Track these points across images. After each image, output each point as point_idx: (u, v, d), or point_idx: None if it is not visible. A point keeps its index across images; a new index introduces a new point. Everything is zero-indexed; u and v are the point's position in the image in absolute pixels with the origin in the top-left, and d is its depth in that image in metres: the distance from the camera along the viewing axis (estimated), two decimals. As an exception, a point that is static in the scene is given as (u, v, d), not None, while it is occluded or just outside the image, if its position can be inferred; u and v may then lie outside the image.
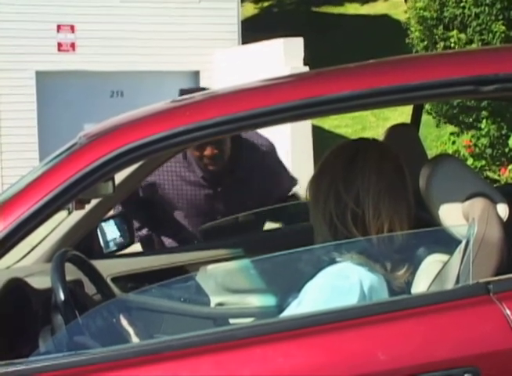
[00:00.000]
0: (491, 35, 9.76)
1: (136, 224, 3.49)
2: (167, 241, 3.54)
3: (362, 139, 2.19)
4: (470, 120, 10.19)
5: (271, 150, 3.52)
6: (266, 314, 2.76)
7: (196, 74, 14.35)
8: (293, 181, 3.65)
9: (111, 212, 3.29)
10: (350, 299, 1.88)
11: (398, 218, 1.97)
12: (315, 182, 2.06)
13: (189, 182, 3.41)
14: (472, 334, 1.75)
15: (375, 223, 1.95)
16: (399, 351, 1.72)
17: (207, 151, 3.26)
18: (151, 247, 3.54)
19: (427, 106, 9.96)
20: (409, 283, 2.00)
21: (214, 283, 2.92)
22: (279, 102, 1.84)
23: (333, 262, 1.96)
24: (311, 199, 2.07)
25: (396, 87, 1.87)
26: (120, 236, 3.22)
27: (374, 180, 1.97)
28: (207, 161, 3.31)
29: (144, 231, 3.54)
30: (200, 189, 3.41)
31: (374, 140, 2.15)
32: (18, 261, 2.93)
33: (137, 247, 3.49)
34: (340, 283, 1.92)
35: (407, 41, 10.72)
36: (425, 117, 9.78)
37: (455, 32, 9.83)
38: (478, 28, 9.80)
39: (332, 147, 2.10)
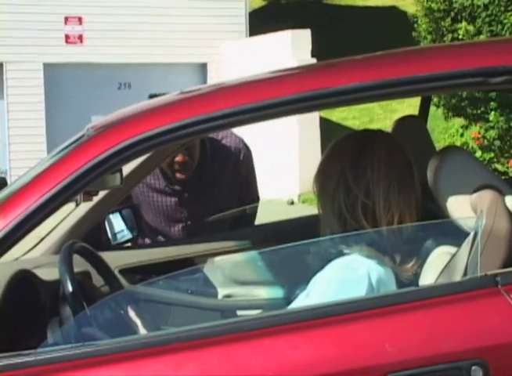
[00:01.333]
0: (500, 26, 9.73)
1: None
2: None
3: (369, 130, 2.18)
4: (479, 112, 10.16)
5: (246, 157, 3.47)
6: (274, 306, 2.77)
7: (204, 66, 14.35)
8: (258, 197, 3.59)
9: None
10: (358, 292, 1.88)
11: (407, 210, 1.97)
12: (322, 175, 2.06)
13: (155, 190, 3.38)
14: (480, 326, 1.74)
15: (385, 215, 1.95)
16: (407, 343, 1.72)
17: (178, 158, 3.23)
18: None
19: (435, 100, 9.93)
20: (416, 275, 2.00)
21: (221, 275, 2.93)
22: (286, 94, 1.83)
23: (341, 254, 1.96)
24: (318, 192, 2.06)
25: (404, 79, 1.87)
26: (128, 228, 3.22)
27: (384, 171, 1.97)
28: (177, 168, 3.27)
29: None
30: (167, 196, 3.38)
31: (381, 131, 2.15)
32: (26, 252, 2.94)
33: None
34: (349, 276, 1.92)
35: (414, 34, 10.70)
36: (432, 110, 9.75)
37: (464, 24, 9.79)
38: (487, 19, 9.76)
39: (338, 138, 2.09)
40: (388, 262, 1.95)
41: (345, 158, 2.00)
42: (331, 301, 1.84)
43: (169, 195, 3.38)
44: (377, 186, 1.96)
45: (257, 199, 3.58)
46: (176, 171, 3.29)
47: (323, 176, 2.04)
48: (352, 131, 2.15)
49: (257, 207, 3.56)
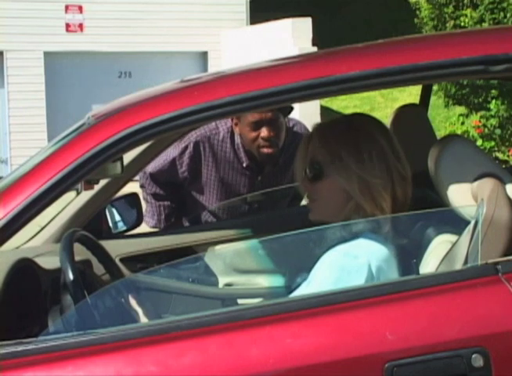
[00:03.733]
0: (502, 14, 9.70)
1: (165, 211, 3.48)
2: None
3: (352, 115, 2.20)
4: (480, 100, 10.14)
5: None
6: (275, 294, 2.77)
7: (204, 54, 14.33)
8: None
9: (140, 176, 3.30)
10: (358, 279, 1.88)
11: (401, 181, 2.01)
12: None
13: (233, 168, 3.39)
14: (480, 314, 1.75)
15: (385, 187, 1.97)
16: (407, 331, 1.73)
17: (264, 133, 3.23)
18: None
19: (435, 88, 9.92)
20: (417, 264, 2.00)
21: (222, 264, 2.93)
22: (288, 82, 1.83)
23: (342, 240, 1.96)
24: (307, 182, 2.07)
25: (405, 67, 1.86)
26: (129, 216, 3.22)
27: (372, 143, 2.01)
28: (262, 143, 3.26)
29: (172, 219, 3.52)
30: (242, 176, 3.39)
31: (360, 114, 2.17)
32: (27, 241, 2.94)
33: (145, 227, 3.50)
34: (348, 264, 1.92)
35: (416, 21, 10.67)
36: (433, 98, 9.73)
37: (468, 10, 9.75)
38: (490, 6, 9.73)
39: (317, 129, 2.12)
40: (390, 246, 1.95)
41: (336, 143, 2.02)
42: (332, 289, 1.85)
43: (245, 176, 3.39)
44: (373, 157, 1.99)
45: None
46: (262, 146, 3.27)
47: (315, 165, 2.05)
48: (333, 119, 2.17)
49: None
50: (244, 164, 3.37)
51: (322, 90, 1.87)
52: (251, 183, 3.40)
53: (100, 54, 13.58)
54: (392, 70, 1.85)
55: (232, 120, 3.33)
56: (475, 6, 9.87)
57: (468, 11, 9.76)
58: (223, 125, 3.37)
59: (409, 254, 1.99)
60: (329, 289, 1.86)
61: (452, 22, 9.95)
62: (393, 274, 1.95)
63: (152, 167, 3.42)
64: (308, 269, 1.97)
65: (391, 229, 1.97)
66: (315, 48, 11.42)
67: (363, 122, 2.09)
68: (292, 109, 3.33)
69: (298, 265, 2.10)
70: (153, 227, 3.52)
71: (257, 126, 3.22)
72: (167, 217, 3.49)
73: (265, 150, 3.27)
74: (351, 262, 1.92)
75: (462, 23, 9.82)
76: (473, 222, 1.85)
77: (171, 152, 3.36)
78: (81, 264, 2.41)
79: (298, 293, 1.97)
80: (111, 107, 1.97)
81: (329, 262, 1.94)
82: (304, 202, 3.46)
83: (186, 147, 3.35)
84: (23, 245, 2.91)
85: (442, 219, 2.04)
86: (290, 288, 2.11)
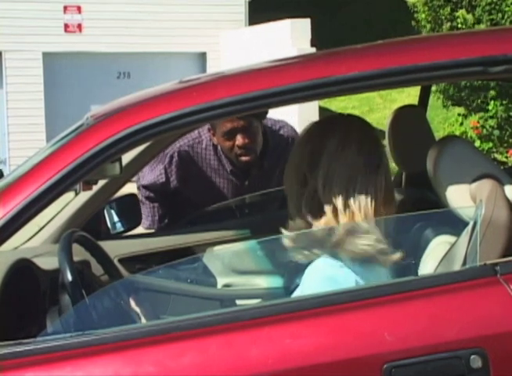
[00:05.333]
0: (500, 15, 9.70)
1: (159, 212, 3.49)
2: None
3: (339, 116, 2.18)
4: (478, 102, 10.14)
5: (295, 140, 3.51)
6: (273, 295, 2.77)
7: (203, 55, 14.33)
8: None
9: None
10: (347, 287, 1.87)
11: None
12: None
13: (219, 175, 3.41)
14: (479, 315, 1.75)
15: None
16: (406, 332, 1.73)
17: (238, 141, 3.24)
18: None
19: (433, 89, 9.92)
20: (416, 265, 2.00)
21: (221, 265, 2.93)
22: (287, 83, 1.83)
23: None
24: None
25: (404, 68, 1.86)
26: (128, 217, 3.22)
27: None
28: (238, 151, 3.27)
29: (166, 220, 3.53)
30: (229, 182, 3.41)
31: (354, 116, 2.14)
32: (25, 242, 2.94)
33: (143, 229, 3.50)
34: (336, 273, 1.90)
35: (413, 23, 10.68)
36: (432, 99, 9.74)
37: (461, 12, 9.75)
38: (488, 7, 9.73)
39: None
40: (382, 253, 1.93)
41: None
42: (330, 290, 1.84)
43: (231, 181, 3.41)
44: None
45: None
46: (239, 155, 3.29)
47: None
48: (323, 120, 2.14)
49: None
50: (228, 170, 3.38)
51: (322, 91, 1.87)
52: (239, 188, 3.41)
53: (99, 54, 13.58)
54: (391, 71, 1.85)
55: (209, 130, 3.34)
56: (473, 8, 9.86)
57: (460, 12, 9.75)
58: (205, 133, 3.38)
59: (407, 255, 1.99)
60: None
61: (448, 24, 9.95)
62: (381, 277, 1.92)
63: (144, 179, 3.44)
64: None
65: (391, 230, 1.97)
66: (313, 49, 11.42)
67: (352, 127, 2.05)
68: (267, 112, 3.33)
69: (297, 266, 2.10)
70: (148, 228, 3.52)
71: (230, 135, 3.24)
72: (160, 218, 3.50)
73: (243, 158, 3.30)
74: (338, 272, 1.90)
75: (458, 25, 9.82)
76: (471, 223, 1.85)
77: (159, 164, 3.38)
78: (80, 264, 2.41)
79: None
80: (110, 108, 1.97)
81: (319, 275, 1.91)
82: None
83: (172, 157, 3.37)
84: (21, 245, 2.91)
85: (441, 220, 2.04)
86: (288, 289, 2.11)
